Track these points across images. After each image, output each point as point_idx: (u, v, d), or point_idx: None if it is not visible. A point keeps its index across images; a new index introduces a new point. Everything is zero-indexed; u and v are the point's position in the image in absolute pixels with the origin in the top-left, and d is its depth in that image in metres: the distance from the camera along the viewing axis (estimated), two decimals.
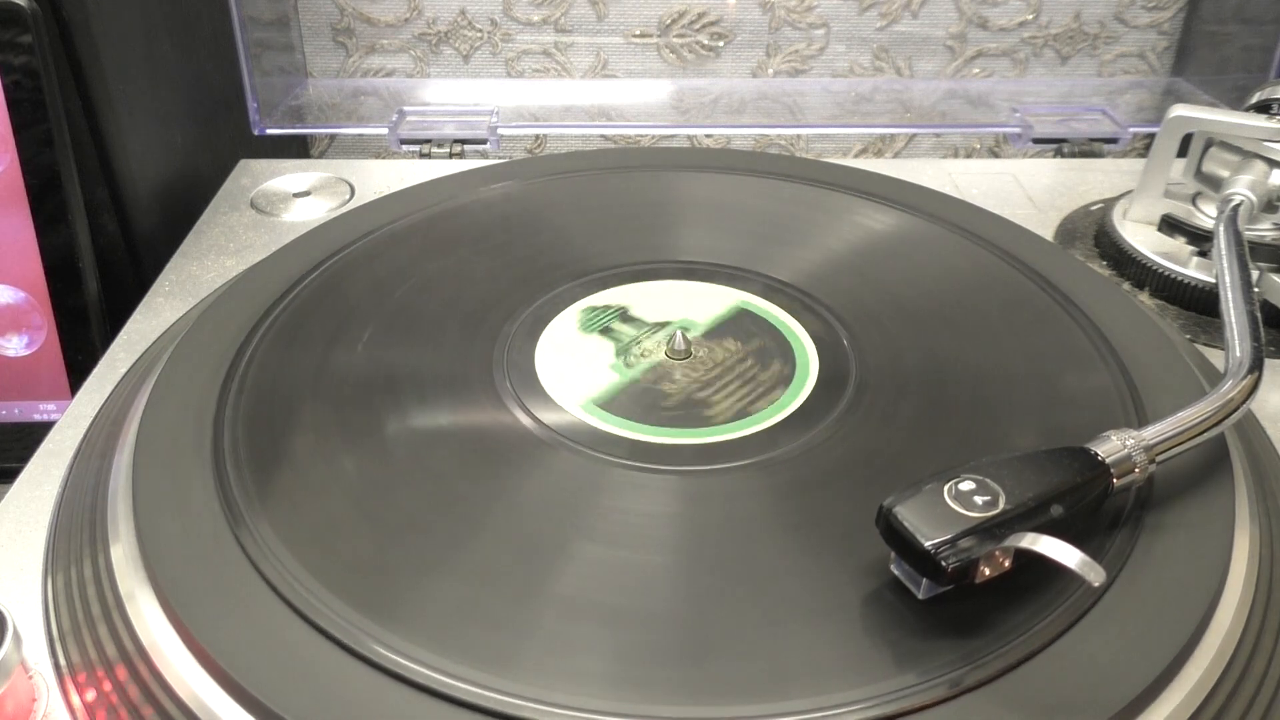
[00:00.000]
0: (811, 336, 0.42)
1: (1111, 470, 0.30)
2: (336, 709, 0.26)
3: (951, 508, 0.28)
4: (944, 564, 0.27)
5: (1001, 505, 0.28)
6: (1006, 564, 0.28)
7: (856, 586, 0.30)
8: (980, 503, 0.28)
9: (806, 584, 0.30)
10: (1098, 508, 0.31)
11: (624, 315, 0.43)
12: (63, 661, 0.31)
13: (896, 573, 0.30)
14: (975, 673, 0.27)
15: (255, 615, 0.29)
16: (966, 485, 0.29)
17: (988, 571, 0.28)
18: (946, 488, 0.29)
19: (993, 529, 0.28)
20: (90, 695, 0.29)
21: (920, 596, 0.29)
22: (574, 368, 0.40)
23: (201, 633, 0.28)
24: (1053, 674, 0.27)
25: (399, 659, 0.27)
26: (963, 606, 0.29)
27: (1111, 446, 0.31)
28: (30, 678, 0.30)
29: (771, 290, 0.45)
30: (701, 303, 0.44)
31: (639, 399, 0.38)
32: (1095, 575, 0.26)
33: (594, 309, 0.44)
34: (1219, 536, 0.32)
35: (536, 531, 0.32)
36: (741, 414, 0.37)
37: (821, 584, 0.30)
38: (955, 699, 0.27)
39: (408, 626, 0.28)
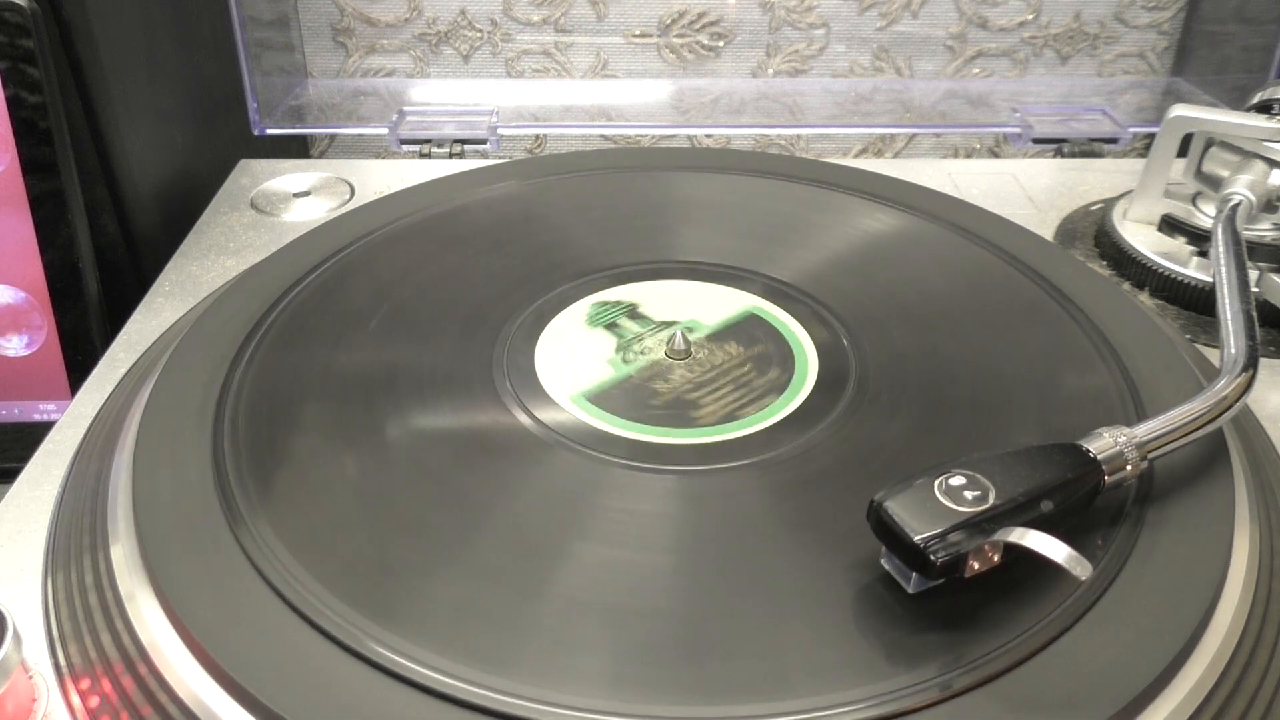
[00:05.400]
0: (811, 336, 0.42)
1: (1103, 467, 0.31)
2: (336, 709, 0.26)
3: (941, 502, 0.28)
4: (933, 558, 0.27)
5: (991, 500, 0.28)
6: (996, 559, 0.28)
7: (856, 585, 0.30)
8: (970, 498, 0.28)
9: (806, 583, 0.30)
10: (1089, 504, 0.31)
11: (632, 312, 0.43)
12: (63, 661, 0.31)
13: (887, 567, 0.30)
14: (974, 672, 0.27)
15: (255, 615, 0.29)
16: (957, 480, 0.29)
17: (977, 566, 0.28)
18: (937, 482, 0.29)
19: (982, 524, 0.28)
20: (90, 695, 0.29)
21: (910, 590, 0.29)
22: (573, 362, 0.40)
23: (201, 633, 0.28)
24: (1053, 674, 0.27)
25: (399, 659, 0.27)
26: (963, 604, 0.29)
27: (1104, 443, 0.31)
28: (30, 678, 0.30)
29: (772, 290, 0.45)
30: (711, 304, 0.44)
31: (631, 395, 0.38)
32: (1082, 570, 0.26)
33: (603, 304, 0.44)
34: (1219, 536, 0.32)
35: (536, 531, 0.32)
36: (729, 418, 0.37)
37: (821, 583, 0.30)
38: (954, 699, 0.27)
39: (408, 626, 0.28)
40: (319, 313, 0.42)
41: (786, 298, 0.44)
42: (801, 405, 0.38)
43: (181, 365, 0.39)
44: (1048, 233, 0.55)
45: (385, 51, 0.80)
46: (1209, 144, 0.50)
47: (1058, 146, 0.67)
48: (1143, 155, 0.56)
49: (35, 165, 0.48)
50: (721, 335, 0.42)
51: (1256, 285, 0.46)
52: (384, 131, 0.68)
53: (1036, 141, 0.68)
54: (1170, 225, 0.51)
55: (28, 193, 0.49)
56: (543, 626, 0.29)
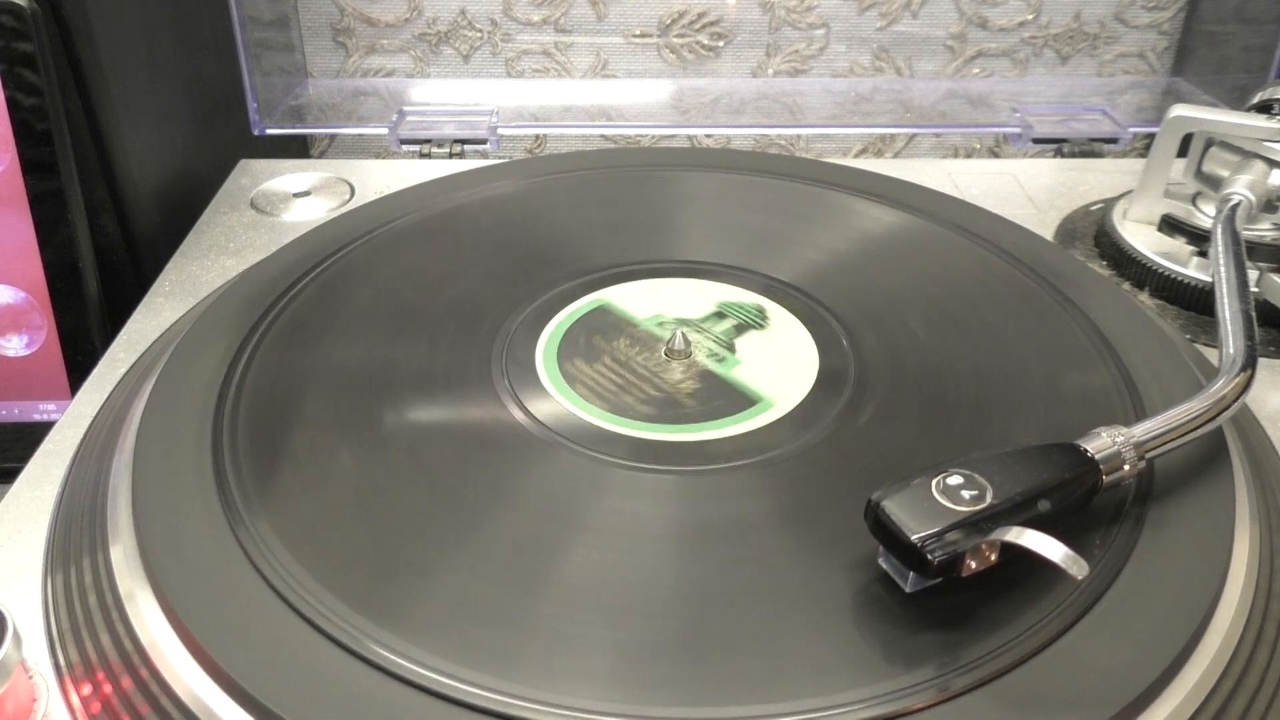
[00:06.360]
0: (811, 336, 0.42)
1: (1101, 466, 0.31)
2: (336, 709, 0.26)
3: (939, 501, 0.28)
4: (930, 557, 0.27)
5: (989, 499, 0.28)
6: (993, 558, 0.28)
7: (854, 584, 0.30)
8: (968, 497, 0.28)
9: (806, 583, 0.30)
10: (1087, 503, 0.31)
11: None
12: (63, 661, 0.31)
13: (885, 566, 0.30)
14: (973, 672, 0.27)
15: (254, 615, 0.29)
16: (954, 479, 0.29)
17: (974, 565, 0.28)
18: (934, 482, 0.29)
19: (979, 523, 0.28)
20: (90, 696, 0.29)
21: (907, 590, 0.29)
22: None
23: (201, 633, 0.28)
24: (1053, 674, 0.27)
25: (398, 659, 0.27)
26: (960, 603, 0.29)
27: (1101, 443, 0.31)
28: (30, 678, 0.30)
29: (771, 290, 0.45)
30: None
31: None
32: (1078, 569, 0.26)
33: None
34: (1219, 536, 0.32)
35: (536, 531, 0.32)
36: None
37: (821, 583, 0.30)
38: (955, 699, 0.27)
39: (407, 626, 0.28)
40: (319, 312, 0.42)
41: (786, 297, 0.44)
42: (801, 405, 0.38)
43: (181, 365, 0.39)
44: (1048, 233, 0.55)
45: (385, 51, 0.80)
46: (1209, 144, 0.50)
47: (1058, 146, 0.67)
48: (1143, 155, 0.56)
49: (35, 165, 0.48)
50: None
51: (1256, 285, 0.46)
52: (384, 131, 0.68)
53: (1036, 141, 0.68)
54: (1170, 225, 0.51)
55: (28, 193, 0.49)
56: (542, 626, 0.29)
